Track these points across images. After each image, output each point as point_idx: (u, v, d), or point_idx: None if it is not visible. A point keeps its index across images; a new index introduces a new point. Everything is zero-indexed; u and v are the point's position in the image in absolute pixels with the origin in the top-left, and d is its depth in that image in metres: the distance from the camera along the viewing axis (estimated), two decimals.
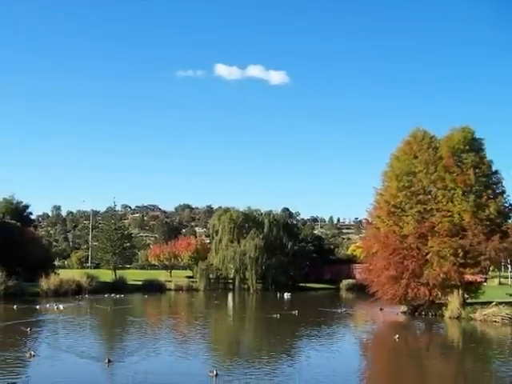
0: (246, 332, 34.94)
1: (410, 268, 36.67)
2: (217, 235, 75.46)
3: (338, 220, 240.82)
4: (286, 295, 58.57)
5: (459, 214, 36.51)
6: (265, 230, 73.30)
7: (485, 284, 41.42)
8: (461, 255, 35.88)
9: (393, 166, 40.46)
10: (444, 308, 37.55)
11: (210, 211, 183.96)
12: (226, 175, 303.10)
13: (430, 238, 36.95)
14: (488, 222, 36.54)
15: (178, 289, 67.64)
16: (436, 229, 36.74)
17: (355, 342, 29.78)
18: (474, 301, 38.58)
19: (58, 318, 35.49)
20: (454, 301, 36.65)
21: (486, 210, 36.54)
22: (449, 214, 36.77)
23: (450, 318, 36.35)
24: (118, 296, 53.48)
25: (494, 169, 38.93)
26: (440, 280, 36.13)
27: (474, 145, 38.72)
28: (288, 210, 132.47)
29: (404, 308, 40.06)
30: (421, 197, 38.24)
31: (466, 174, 36.99)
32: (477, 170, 37.35)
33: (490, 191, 37.64)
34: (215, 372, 17.29)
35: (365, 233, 43.09)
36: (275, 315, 37.14)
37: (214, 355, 23.81)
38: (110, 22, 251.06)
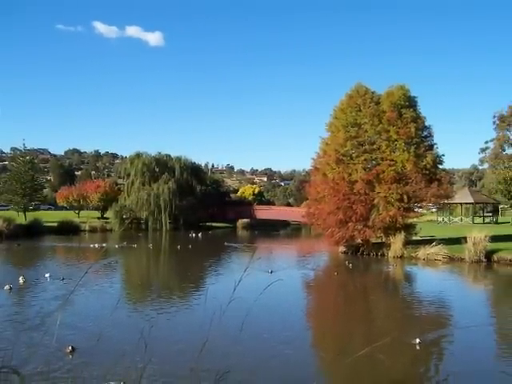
0: (172, 269, 31.23)
1: (359, 212, 33.00)
2: (129, 178, 66.44)
3: (213, 166, 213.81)
4: (200, 234, 54.06)
5: (402, 163, 33.46)
6: (176, 174, 65.30)
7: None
8: (405, 201, 33.03)
9: (338, 117, 36.08)
10: (385, 248, 34.39)
11: (98, 156, 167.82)
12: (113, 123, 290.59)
13: (376, 184, 33.55)
14: (426, 171, 33.87)
15: (93, 230, 58.01)
16: (381, 176, 33.43)
17: None
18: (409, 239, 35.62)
19: None
20: (397, 241, 33.42)
21: (424, 160, 33.83)
22: (392, 163, 33.60)
23: (394, 257, 33.16)
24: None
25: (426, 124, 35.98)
26: (387, 223, 33.05)
27: (410, 101, 35.51)
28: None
29: (343, 248, 36.38)
30: (367, 147, 34.61)
31: (408, 127, 33.87)
32: (414, 124, 34.32)
33: (426, 143, 34.99)
34: None
35: (312, 179, 38.24)
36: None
37: None
38: None
